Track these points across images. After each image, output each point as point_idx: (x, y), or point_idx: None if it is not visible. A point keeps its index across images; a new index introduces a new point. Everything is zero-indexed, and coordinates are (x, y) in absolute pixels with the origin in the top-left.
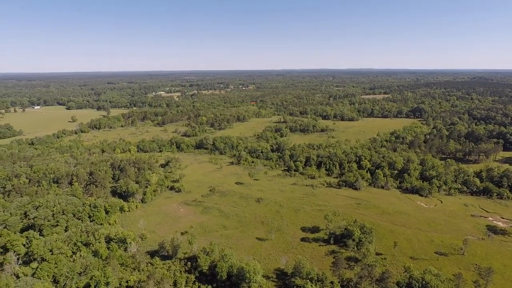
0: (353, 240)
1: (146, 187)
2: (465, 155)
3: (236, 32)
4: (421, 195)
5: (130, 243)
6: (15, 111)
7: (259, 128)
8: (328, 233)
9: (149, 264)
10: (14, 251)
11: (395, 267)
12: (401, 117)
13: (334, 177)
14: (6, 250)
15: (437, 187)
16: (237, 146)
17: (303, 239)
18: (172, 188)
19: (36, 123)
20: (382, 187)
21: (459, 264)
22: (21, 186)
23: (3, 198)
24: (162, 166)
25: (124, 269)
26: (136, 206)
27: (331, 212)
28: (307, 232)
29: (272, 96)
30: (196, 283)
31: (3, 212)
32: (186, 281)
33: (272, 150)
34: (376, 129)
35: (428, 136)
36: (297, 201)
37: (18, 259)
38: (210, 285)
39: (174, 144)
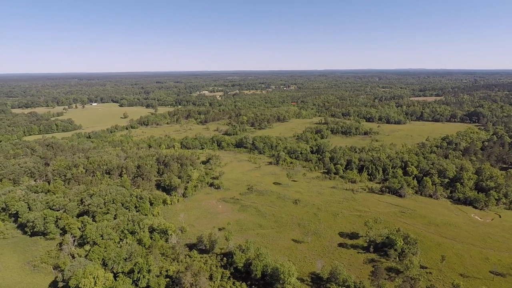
0: (395, 250)
1: (188, 182)
2: None
3: (278, 33)
4: (476, 208)
5: (171, 234)
6: (76, 107)
7: (299, 129)
8: (367, 241)
9: (187, 256)
10: (71, 234)
11: (442, 284)
12: (454, 122)
13: (376, 183)
14: (64, 232)
15: (495, 199)
16: (276, 146)
17: (340, 245)
18: (211, 185)
19: (93, 119)
20: (430, 196)
21: None
22: (79, 175)
23: (64, 185)
24: (203, 163)
25: (164, 259)
26: (178, 200)
27: (372, 218)
28: (345, 238)
29: (314, 97)
30: (231, 279)
31: (64, 198)
32: (222, 276)
33: (312, 152)
34: (425, 134)
35: (486, 143)
36: (335, 205)
37: (74, 241)
38: (244, 283)
39: (215, 142)
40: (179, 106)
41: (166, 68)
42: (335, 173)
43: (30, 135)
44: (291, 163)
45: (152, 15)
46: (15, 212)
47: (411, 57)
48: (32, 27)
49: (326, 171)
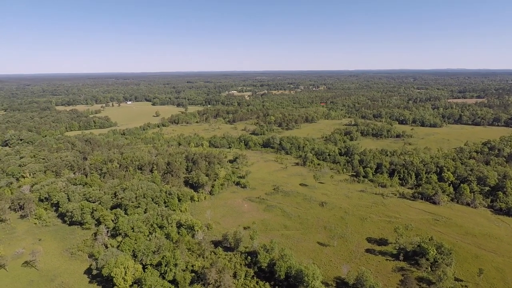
0: (427, 259)
1: (215, 180)
2: None
3: (308, 33)
4: None
5: (197, 230)
6: (112, 105)
7: (327, 130)
8: (397, 248)
9: (212, 253)
10: (105, 225)
11: None
12: (498, 126)
13: (408, 188)
14: (99, 223)
15: None
16: (303, 147)
17: (368, 250)
18: (238, 184)
19: (127, 116)
20: (468, 204)
21: None
22: (113, 170)
23: (99, 179)
24: (230, 161)
25: (190, 254)
26: (205, 197)
27: (403, 225)
28: (373, 244)
29: (344, 98)
30: (255, 278)
31: (99, 190)
32: (246, 275)
33: (340, 154)
34: (464, 138)
35: None
36: (364, 209)
37: (107, 231)
38: (268, 283)
39: (243, 141)
40: (209, 106)
41: (197, 68)
42: (364, 177)
43: (71, 130)
44: (318, 164)
45: (185, 17)
46: (56, 202)
47: (450, 56)
48: (76, 31)
49: (354, 174)
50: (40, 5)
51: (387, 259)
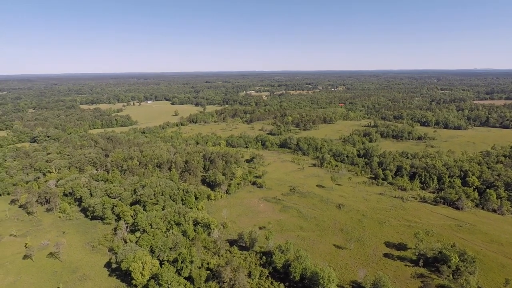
0: (449, 267)
1: (231, 179)
2: None
3: (327, 33)
4: None
5: (213, 229)
6: (133, 104)
7: (346, 131)
8: (417, 254)
9: (228, 252)
10: (125, 220)
11: None
12: None
13: (429, 192)
14: (119, 218)
15: None
16: (321, 148)
17: (386, 255)
18: (254, 183)
19: (147, 115)
20: (494, 211)
21: None
22: (133, 167)
23: (120, 176)
24: (247, 161)
25: (206, 251)
26: (221, 196)
27: (423, 230)
28: (391, 248)
29: (363, 98)
30: (269, 278)
31: (119, 187)
32: (260, 275)
33: (359, 155)
34: (491, 141)
35: None
36: (382, 212)
37: (127, 227)
38: (282, 283)
39: (260, 141)
40: (226, 105)
41: (216, 68)
42: (383, 179)
43: (94, 128)
44: (336, 166)
45: (205, 18)
46: (79, 197)
47: (477, 56)
48: (101, 32)
49: (373, 176)
50: (69, 8)
51: (406, 265)
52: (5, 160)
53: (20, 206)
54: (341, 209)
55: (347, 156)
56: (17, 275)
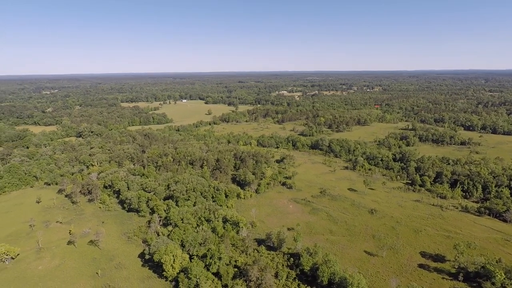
0: (493, 283)
1: (261, 179)
2: None
3: (362, 32)
4: None
5: (242, 227)
6: (169, 103)
7: (381, 134)
8: (456, 267)
9: (255, 251)
10: (158, 214)
11: None
12: None
13: (473, 201)
14: (153, 211)
15: None
16: (354, 150)
17: (421, 266)
18: (284, 184)
19: (182, 114)
20: None
21: None
22: (167, 163)
23: (155, 171)
24: (277, 161)
25: (234, 249)
26: (251, 195)
27: (464, 242)
28: (427, 259)
29: (401, 100)
30: (296, 280)
31: (154, 181)
32: (287, 276)
33: (394, 160)
34: None
35: None
36: (418, 220)
37: (160, 220)
38: (309, 287)
39: (291, 142)
40: (258, 105)
41: (249, 68)
42: (420, 186)
43: (133, 125)
44: (369, 169)
45: (240, 19)
46: (117, 189)
47: None
48: (141, 33)
49: (409, 182)
50: (113, 10)
51: (443, 278)
52: (54, 153)
53: (66, 196)
54: (373, 215)
55: (381, 160)
56: (62, 259)
